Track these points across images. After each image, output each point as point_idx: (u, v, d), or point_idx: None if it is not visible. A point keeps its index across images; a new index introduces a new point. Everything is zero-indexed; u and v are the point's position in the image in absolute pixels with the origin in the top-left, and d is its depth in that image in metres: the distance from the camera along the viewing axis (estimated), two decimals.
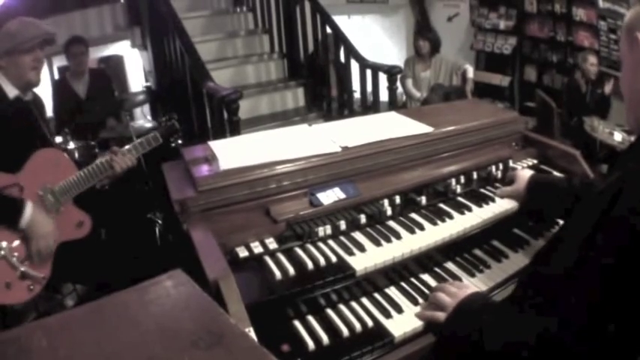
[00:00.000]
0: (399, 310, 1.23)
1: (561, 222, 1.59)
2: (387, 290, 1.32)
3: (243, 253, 1.28)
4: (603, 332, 0.88)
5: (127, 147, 2.07)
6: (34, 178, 1.90)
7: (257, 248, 1.30)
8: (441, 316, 1.16)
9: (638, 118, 1.04)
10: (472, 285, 1.30)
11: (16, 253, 1.83)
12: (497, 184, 1.70)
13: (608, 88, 4.46)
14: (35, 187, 1.90)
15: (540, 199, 1.53)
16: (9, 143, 1.90)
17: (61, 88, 4.04)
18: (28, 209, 1.81)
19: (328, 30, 4.07)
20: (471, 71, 4.69)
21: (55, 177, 1.94)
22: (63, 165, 2.00)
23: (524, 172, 1.64)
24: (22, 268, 1.82)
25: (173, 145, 3.07)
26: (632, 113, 1.04)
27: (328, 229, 1.38)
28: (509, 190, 1.60)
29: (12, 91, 1.96)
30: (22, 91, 2.00)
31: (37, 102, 2.17)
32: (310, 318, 1.20)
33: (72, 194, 1.97)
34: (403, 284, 1.34)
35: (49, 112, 4.23)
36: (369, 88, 3.78)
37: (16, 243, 1.84)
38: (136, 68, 6.08)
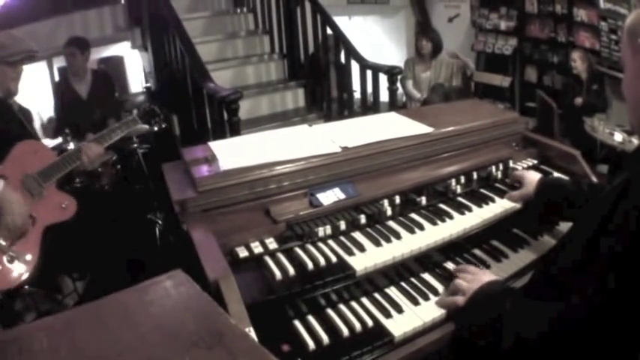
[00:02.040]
0: (399, 310, 1.24)
1: (565, 224, 1.59)
2: (387, 290, 1.32)
3: (243, 253, 1.28)
4: (603, 333, 0.88)
5: (98, 134, 2.17)
6: (16, 167, 2.00)
7: (257, 248, 1.30)
8: (461, 300, 1.19)
9: None
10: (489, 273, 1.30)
11: (1, 238, 1.87)
12: (498, 184, 1.70)
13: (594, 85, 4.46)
14: (17, 175, 2.00)
15: (549, 202, 1.51)
16: None
17: (62, 88, 4.04)
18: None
19: (329, 31, 4.07)
20: (470, 62, 4.74)
21: (35, 164, 2.04)
22: (41, 153, 2.11)
23: (531, 174, 1.61)
24: (11, 252, 1.86)
25: (156, 128, 3.11)
26: (634, 116, 1.05)
27: (328, 230, 1.38)
28: (518, 194, 1.57)
29: None
30: (3, 96, 2.10)
31: (24, 111, 2.25)
32: (310, 318, 1.20)
33: (52, 178, 2.05)
34: (403, 284, 1.34)
35: (51, 112, 4.25)
36: (370, 88, 3.77)
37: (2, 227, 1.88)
38: (137, 69, 6.09)
